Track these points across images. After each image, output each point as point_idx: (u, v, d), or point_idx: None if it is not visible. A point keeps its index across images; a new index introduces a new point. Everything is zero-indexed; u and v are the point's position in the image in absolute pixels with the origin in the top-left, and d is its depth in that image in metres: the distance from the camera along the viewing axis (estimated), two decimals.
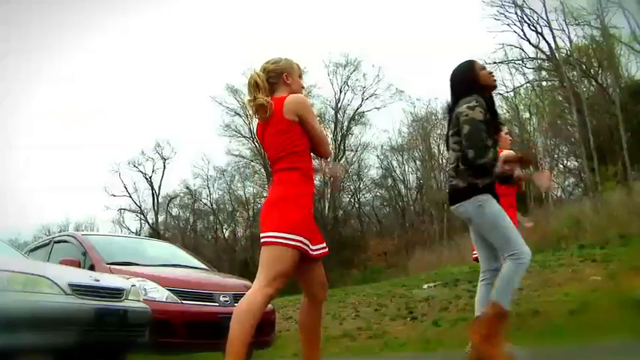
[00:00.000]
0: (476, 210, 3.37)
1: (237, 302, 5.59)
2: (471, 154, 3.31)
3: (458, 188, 3.43)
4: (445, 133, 3.73)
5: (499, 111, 3.54)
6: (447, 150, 3.66)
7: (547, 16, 21.87)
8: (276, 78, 3.03)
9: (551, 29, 21.88)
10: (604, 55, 22.63)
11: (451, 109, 3.58)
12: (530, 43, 22.73)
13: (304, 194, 2.87)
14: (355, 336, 8.80)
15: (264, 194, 33.48)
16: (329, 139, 2.91)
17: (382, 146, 32.81)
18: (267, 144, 2.95)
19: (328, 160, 3.16)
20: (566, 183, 26.29)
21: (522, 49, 23.15)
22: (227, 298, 5.66)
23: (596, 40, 22.80)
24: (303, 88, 3.14)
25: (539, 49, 22.76)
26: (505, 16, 22.72)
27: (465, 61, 3.65)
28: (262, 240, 2.80)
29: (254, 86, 2.95)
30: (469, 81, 3.52)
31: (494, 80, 3.64)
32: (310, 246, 2.82)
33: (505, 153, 3.91)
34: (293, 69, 3.09)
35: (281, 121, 2.87)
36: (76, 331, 4.06)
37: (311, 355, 2.97)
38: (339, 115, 32.76)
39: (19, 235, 30.71)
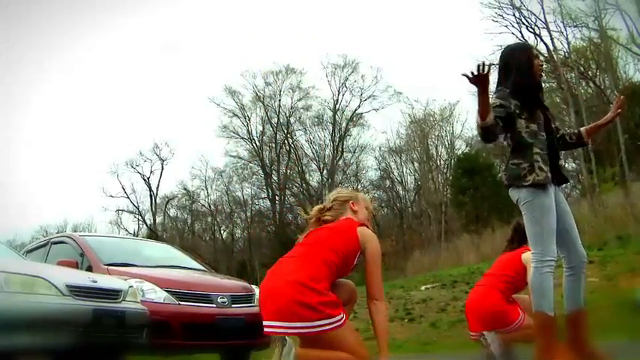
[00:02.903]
0: (526, 195, 3.35)
1: (234, 303, 5.68)
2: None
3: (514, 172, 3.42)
4: None
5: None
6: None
7: (545, 18, 21.86)
8: (343, 204, 3.21)
9: (549, 31, 21.87)
10: (602, 57, 22.66)
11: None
12: None
13: None
14: None
15: (262, 195, 33.55)
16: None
17: (380, 148, 32.77)
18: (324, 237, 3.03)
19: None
20: (564, 185, 26.33)
21: None
22: (225, 300, 5.65)
23: (594, 41, 22.84)
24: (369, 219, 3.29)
25: (537, 50, 22.75)
26: (503, 18, 22.71)
27: (523, 44, 3.59)
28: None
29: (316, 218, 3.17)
30: (524, 63, 3.46)
31: (541, 71, 3.60)
32: None
33: None
34: (358, 198, 3.27)
35: (351, 239, 2.99)
36: (73, 332, 4.05)
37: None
38: (337, 117, 32.73)
39: (16, 236, 30.56)
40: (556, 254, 3.31)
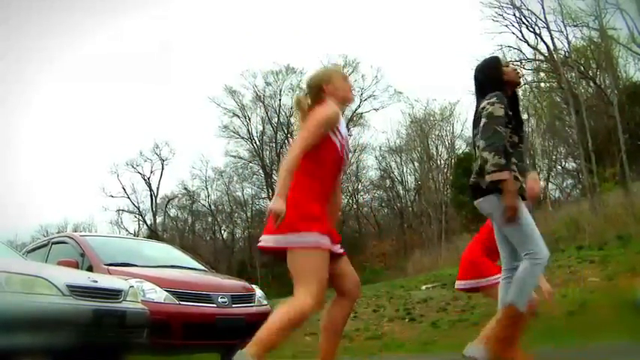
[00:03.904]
0: (496, 205, 3.33)
1: (234, 303, 5.68)
2: (482, 144, 3.29)
3: (479, 185, 3.39)
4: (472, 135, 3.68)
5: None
6: (474, 149, 3.59)
7: (545, 18, 21.81)
8: (317, 91, 3.01)
9: (549, 30, 21.81)
10: (602, 57, 22.64)
11: (476, 107, 3.54)
12: (528, 44, 22.68)
13: None
14: (353, 337, 8.80)
15: (263, 195, 33.53)
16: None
17: (380, 147, 32.80)
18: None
19: None
20: (564, 184, 26.36)
21: (521, 51, 23.05)
22: (225, 300, 5.65)
23: (595, 41, 22.82)
24: (351, 89, 3.13)
25: (538, 50, 22.73)
26: (503, 18, 22.65)
27: (490, 58, 3.65)
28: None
29: (300, 108, 3.00)
30: (494, 78, 3.48)
31: (519, 77, 3.62)
32: None
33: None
34: (331, 77, 3.04)
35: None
36: (74, 332, 4.05)
37: (330, 351, 2.94)
38: None
39: (17, 236, 30.53)
40: (547, 252, 3.30)
